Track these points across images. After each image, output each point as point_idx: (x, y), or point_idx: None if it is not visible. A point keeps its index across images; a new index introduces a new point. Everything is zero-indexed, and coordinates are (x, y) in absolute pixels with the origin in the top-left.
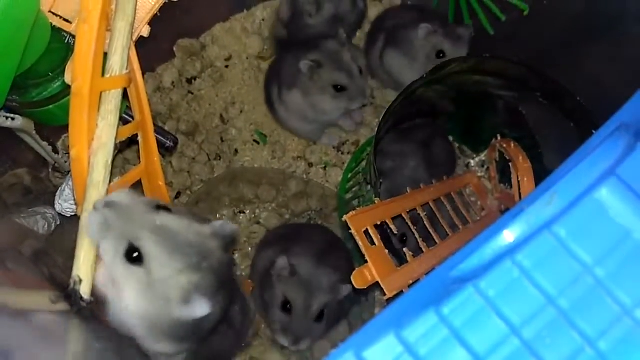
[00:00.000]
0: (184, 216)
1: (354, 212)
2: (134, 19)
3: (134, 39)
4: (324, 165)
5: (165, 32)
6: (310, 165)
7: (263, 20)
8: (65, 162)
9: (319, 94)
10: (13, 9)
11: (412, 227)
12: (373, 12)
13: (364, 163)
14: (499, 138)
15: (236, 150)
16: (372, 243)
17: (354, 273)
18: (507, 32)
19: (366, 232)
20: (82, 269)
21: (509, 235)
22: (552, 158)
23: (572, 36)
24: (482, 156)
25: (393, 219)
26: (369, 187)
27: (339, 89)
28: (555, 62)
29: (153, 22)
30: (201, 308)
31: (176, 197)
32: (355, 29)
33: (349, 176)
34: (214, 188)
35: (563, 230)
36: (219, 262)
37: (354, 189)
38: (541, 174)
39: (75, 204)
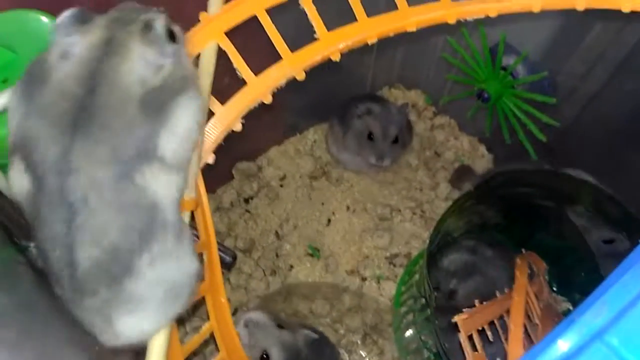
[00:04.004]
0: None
1: (465, 314)
2: (202, 149)
3: (201, 166)
4: (377, 279)
5: (225, 156)
6: (364, 279)
7: (314, 141)
8: None
9: None
10: None
11: (501, 334)
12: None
13: (417, 276)
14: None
15: (291, 266)
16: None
17: None
18: (553, 142)
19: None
20: None
21: (563, 345)
22: (608, 268)
23: (618, 144)
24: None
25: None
26: (423, 300)
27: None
28: (603, 169)
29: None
30: None
31: (233, 314)
32: None
33: (403, 289)
34: (269, 304)
35: (615, 339)
36: None
37: (408, 302)
38: (598, 285)
39: None
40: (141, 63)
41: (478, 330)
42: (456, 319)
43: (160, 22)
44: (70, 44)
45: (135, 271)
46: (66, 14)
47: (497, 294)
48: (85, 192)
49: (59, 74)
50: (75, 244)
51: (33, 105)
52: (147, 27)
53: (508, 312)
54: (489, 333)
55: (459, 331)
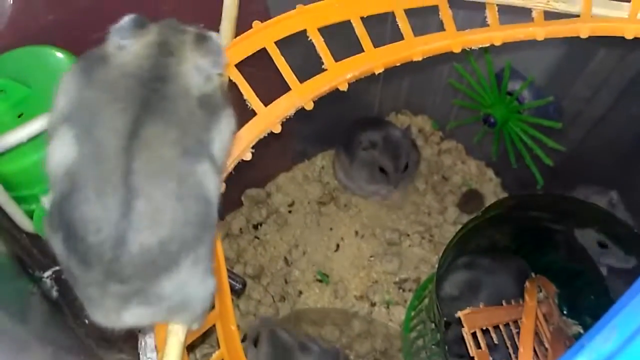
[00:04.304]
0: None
1: (467, 310)
2: None
3: None
4: (386, 304)
5: (234, 183)
6: (373, 304)
7: (322, 167)
8: None
9: None
10: None
11: (506, 340)
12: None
13: (426, 300)
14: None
15: (300, 292)
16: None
17: None
18: (560, 166)
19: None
20: None
21: None
22: (618, 291)
23: (624, 168)
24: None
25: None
26: (433, 325)
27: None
28: (609, 187)
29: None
30: None
31: (242, 341)
32: None
33: (412, 314)
34: None
35: None
36: None
37: (417, 328)
38: (609, 308)
39: (156, 351)
40: (193, 71)
41: (482, 331)
42: (459, 314)
43: (215, 35)
44: (125, 44)
45: (177, 269)
46: (126, 19)
47: (504, 302)
48: (151, 171)
49: (118, 60)
50: (130, 227)
51: (92, 79)
52: (202, 37)
53: (515, 322)
54: (493, 335)
55: (462, 326)
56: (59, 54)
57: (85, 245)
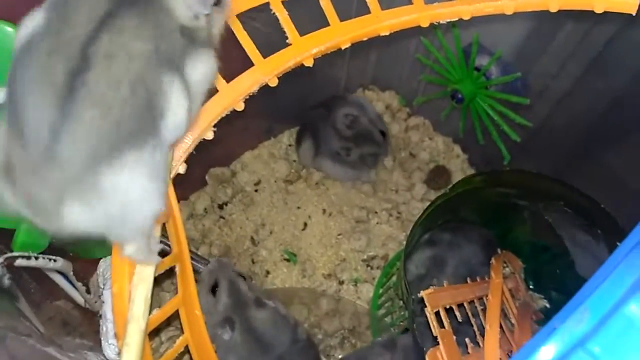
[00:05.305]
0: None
1: (431, 289)
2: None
3: (172, 176)
4: (354, 282)
5: (198, 162)
6: (341, 282)
7: (289, 145)
8: (95, 302)
9: None
10: None
11: (471, 318)
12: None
13: (394, 278)
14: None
15: (267, 272)
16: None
17: (428, 352)
18: (527, 142)
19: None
20: None
21: (545, 354)
22: (583, 265)
23: (591, 143)
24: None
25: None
26: (401, 302)
27: None
28: (576, 168)
29: None
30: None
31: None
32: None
33: (380, 292)
34: None
35: (597, 346)
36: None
37: (386, 305)
38: (574, 282)
39: (116, 339)
40: (181, 5)
41: (446, 309)
42: (422, 293)
43: None
44: None
45: (116, 162)
46: None
47: (469, 280)
48: (113, 51)
49: None
50: (76, 100)
51: None
52: None
53: (480, 299)
54: (457, 313)
55: (425, 305)
56: (8, 29)
57: (23, 115)
